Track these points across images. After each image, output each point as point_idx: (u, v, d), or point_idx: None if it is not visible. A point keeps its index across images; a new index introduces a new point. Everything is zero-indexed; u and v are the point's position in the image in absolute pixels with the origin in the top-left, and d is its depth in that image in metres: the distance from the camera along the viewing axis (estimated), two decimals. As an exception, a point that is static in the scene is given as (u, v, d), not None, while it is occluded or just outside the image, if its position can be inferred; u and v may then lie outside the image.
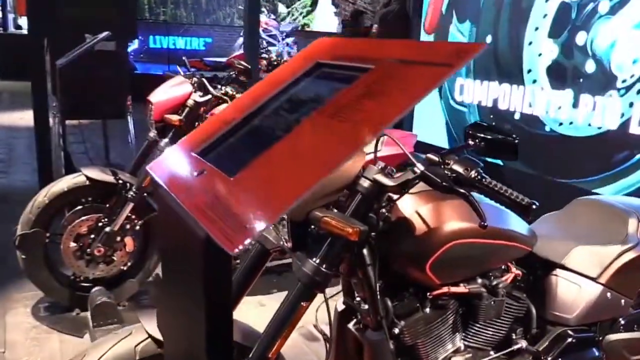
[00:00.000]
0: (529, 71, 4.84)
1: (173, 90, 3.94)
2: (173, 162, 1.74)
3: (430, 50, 1.51)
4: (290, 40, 15.39)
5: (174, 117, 3.79)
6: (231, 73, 4.00)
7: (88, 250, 3.76)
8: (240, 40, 15.01)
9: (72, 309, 3.83)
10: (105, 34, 4.31)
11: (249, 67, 3.87)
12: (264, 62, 5.78)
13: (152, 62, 15.35)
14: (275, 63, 6.53)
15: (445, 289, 1.93)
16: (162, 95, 3.91)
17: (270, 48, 12.88)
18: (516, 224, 2.12)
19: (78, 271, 3.77)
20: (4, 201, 5.66)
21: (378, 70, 1.51)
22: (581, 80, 4.38)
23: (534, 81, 4.78)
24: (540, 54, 4.77)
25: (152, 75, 10.16)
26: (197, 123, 3.97)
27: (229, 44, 16.88)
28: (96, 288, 3.82)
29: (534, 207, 1.71)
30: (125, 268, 3.90)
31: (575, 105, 4.44)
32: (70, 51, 4.43)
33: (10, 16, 19.72)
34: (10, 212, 4.14)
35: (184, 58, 4.44)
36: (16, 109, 10.64)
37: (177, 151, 1.78)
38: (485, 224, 1.64)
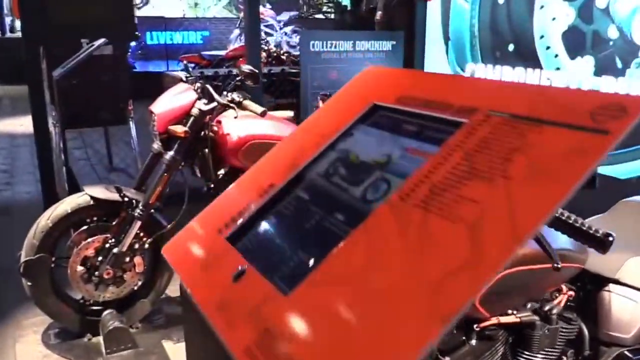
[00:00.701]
0: (541, 37, 4.34)
1: (176, 99, 3.49)
2: (196, 249, 1.30)
3: (561, 102, 1.06)
4: (288, 29, 14.69)
5: (179, 129, 3.35)
6: (237, 78, 3.53)
7: (96, 273, 3.35)
8: (236, 31, 14.32)
9: (83, 335, 3.48)
10: (101, 41, 3.82)
11: (256, 71, 3.40)
12: (263, 53, 5.32)
13: (151, 60, 14.65)
14: (275, 55, 6.07)
15: (494, 320, 1.64)
16: (165, 105, 3.46)
17: (268, 39, 12.19)
18: (564, 239, 1.69)
19: (87, 295, 3.40)
20: (6, 214, 5.17)
21: (478, 129, 1.07)
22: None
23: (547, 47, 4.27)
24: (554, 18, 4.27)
25: (152, 74, 9.44)
26: (203, 132, 3.52)
27: (226, 36, 16.17)
28: (107, 311, 3.44)
29: (610, 239, 1.34)
30: (136, 288, 3.48)
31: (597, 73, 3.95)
32: (66, 60, 3.93)
33: (8, 19, 18.82)
34: (13, 226, 3.67)
35: (183, 62, 3.94)
36: (17, 114, 10.06)
37: (198, 229, 1.34)
38: (559, 265, 1.37)
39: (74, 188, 4.03)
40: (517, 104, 1.14)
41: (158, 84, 3.40)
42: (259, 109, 3.32)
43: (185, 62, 4.08)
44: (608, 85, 4.02)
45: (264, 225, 1.33)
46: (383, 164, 1.27)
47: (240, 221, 1.35)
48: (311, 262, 1.14)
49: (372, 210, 1.14)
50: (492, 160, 1.06)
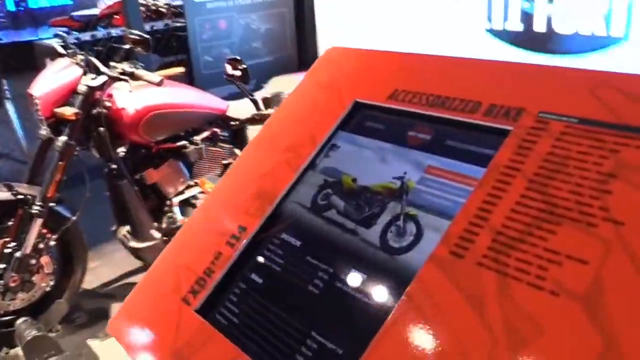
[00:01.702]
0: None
1: (58, 77, 2.89)
2: (157, 328, 0.90)
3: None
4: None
5: (68, 111, 2.78)
6: (123, 47, 2.95)
7: (1, 282, 2.78)
8: (108, -14, 12.67)
9: (-1, 349, 2.89)
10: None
11: (146, 37, 2.85)
12: (142, 8, 4.59)
13: (18, 28, 12.54)
14: (154, 8, 5.31)
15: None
16: (47, 86, 2.85)
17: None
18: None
19: (-6, 307, 2.82)
20: None
21: (535, 140, 0.73)
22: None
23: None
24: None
25: (23, 44, 7.80)
26: (95, 110, 2.95)
27: (98, -8, 14.22)
28: (20, 320, 2.90)
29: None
30: (49, 289, 2.96)
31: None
32: None
33: None
34: None
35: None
36: None
37: (153, 296, 0.94)
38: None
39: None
40: (581, 100, 0.79)
41: (32, 56, 2.77)
42: (156, 77, 2.78)
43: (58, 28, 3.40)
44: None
45: (248, 290, 0.93)
46: (396, 192, 0.89)
47: (211, 285, 0.94)
48: (339, 352, 0.77)
49: (409, 268, 0.77)
50: (580, 192, 0.70)
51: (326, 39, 5.16)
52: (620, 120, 0.75)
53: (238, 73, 2.57)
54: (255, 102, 2.56)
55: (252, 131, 2.69)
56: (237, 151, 3.57)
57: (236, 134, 3.64)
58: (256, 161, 1.08)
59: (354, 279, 0.84)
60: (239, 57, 2.58)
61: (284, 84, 3.02)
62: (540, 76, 0.86)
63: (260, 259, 0.96)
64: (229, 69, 2.56)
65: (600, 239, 0.67)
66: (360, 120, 1.03)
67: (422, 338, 0.71)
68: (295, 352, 0.81)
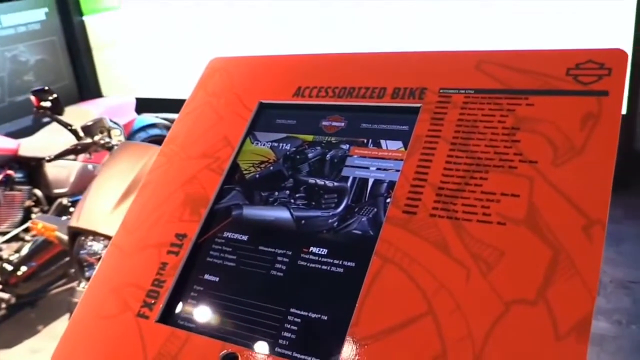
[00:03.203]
0: None
1: None
2: (121, 351, 0.91)
3: (522, 66, 0.93)
4: None
5: None
6: None
7: None
8: None
9: None
10: None
11: None
12: None
13: None
14: None
15: None
16: None
17: None
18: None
19: None
20: None
21: (445, 112, 0.92)
22: None
23: None
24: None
25: None
26: None
27: None
28: None
29: None
30: None
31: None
32: None
33: None
34: None
35: None
36: None
37: (98, 318, 0.94)
38: None
39: None
40: (472, 75, 0.97)
41: None
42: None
43: None
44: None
45: (206, 290, 0.96)
46: (332, 174, 0.99)
47: (166, 294, 0.95)
48: (324, 318, 0.85)
49: (367, 234, 0.88)
50: (495, 145, 0.88)
51: (103, 64, 4.98)
52: (507, 86, 0.94)
53: (48, 104, 2.43)
54: (74, 132, 2.44)
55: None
56: (37, 192, 3.32)
57: (33, 173, 3.38)
58: (170, 174, 1.10)
59: (316, 254, 0.92)
60: (46, 87, 2.44)
61: (77, 115, 2.89)
62: (432, 60, 1.03)
63: (210, 259, 0.99)
64: (36, 101, 2.40)
65: (523, 176, 0.85)
66: (270, 118, 1.11)
67: (404, 284, 0.82)
68: (280, 330, 0.88)
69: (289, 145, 1.07)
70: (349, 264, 0.89)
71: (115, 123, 2.36)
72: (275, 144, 1.08)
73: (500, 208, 0.83)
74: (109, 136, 2.31)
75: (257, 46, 4.16)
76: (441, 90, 0.98)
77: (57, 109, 2.45)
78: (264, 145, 1.09)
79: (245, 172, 1.06)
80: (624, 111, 0.87)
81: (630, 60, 3.47)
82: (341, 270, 0.89)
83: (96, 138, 2.28)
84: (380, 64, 1.07)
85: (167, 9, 4.53)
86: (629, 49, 3.45)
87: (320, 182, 0.99)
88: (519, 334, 0.74)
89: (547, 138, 0.86)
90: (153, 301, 0.96)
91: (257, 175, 1.05)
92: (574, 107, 0.87)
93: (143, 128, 3.59)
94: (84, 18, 4.96)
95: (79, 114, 3.08)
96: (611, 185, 0.80)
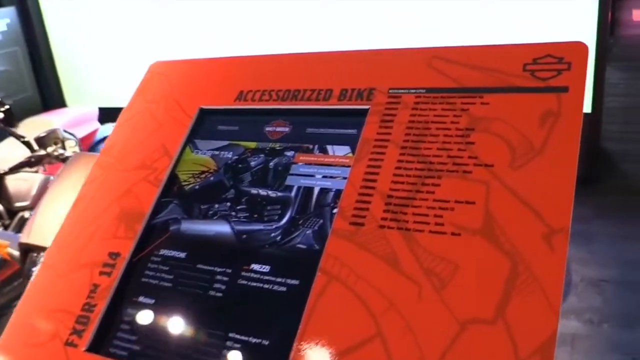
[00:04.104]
0: None
1: None
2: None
3: (472, 62, 0.85)
4: None
5: None
6: None
7: None
8: None
9: None
10: None
11: None
12: None
13: None
14: None
15: None
16: None
17: None
18: None
19: None
20: None
21: (395, 113, 0.83)
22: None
23: None
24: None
25: None
26: None
27: None
28: None
29: None
30: None
31: None
32: None
33: None
34: None
35: None
36: None
37: (23, 349, 0.84)
38: None
39: None
40: (422, 74, 0.89)
41: None
42: None
43: None
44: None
45: (141, 314, 0.87)
46: (275, 184, 0.90)
47: (96, 320, 0.85)
48: (266, 343, 0.76)
49: (312, 248, 0.80)
50: (448, 148, 0.80)
51: (67, 74, 4.83)
52: (460, 84, 0.86)
53: (0, 115, 2.31)
54: (28, 144, 2.31)
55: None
56: (-1, 208, 3.18)
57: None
58: (105, 187, 1.00)
59: (258, 272, 0.83)
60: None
61: (37, 126, 2.77)
62: (381, 59, 0.95)
63: (145, 279, 0.89)
64: (-6, 113, 2.28)
65: (479, 182, 0.76)
66: (211, 125, 1.01)
67: (351, 304, 0.74)
68: (219, 358, 0.78)
69: (230, 153, 0.98)
70: (292, 282, 0.80)
71: (70, 134, 2.24)
72: (217, 153, 0.99)
73: (455, 217, 0.75)
74: (63, 147, 2.19)
75: (212, 48, 4.06)
76: (390, 91, 0.89)
77: (9, 121, 2.32)
78: (204, 153, 0.99)
79: (184, 183, 0.97)
80: (588, 109, 0.79)
81: (594, 53, 3.42)
82: (284, 289, 0.80)
83: (50, 149, 2.16)
84: (327, 64, 0.98)
85: (127, 12, 4.42)
86: (592, 42, 3.39)
87: (263, 192, 0.90)
88: (476, 357, 0.65)
89: (504, 139, 0.78)
90: (83, 328, 0.86)
91: (197, 187, 0.96)
92: (531, 105, 0.79)
93: (106, 138, 3.46)
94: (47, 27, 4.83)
95: (39, 125, 2.95)
96: (574, 189, 0.72)
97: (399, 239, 0.75)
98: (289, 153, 0.92)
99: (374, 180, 0.81)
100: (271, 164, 0.92)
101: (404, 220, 0.76)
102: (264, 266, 0.83)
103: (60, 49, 4.85)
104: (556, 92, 0.79)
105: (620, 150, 4.12)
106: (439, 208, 0.76)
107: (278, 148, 0.94)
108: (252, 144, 0.97)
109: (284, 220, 0.86)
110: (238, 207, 0.90)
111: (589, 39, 3.45)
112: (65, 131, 2.22)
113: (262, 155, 0.94)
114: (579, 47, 0.82)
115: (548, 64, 0.82)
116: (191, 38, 4.27)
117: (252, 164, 0.94)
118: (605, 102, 3.74)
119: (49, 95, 4.91)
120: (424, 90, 0.87)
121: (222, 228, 0.89)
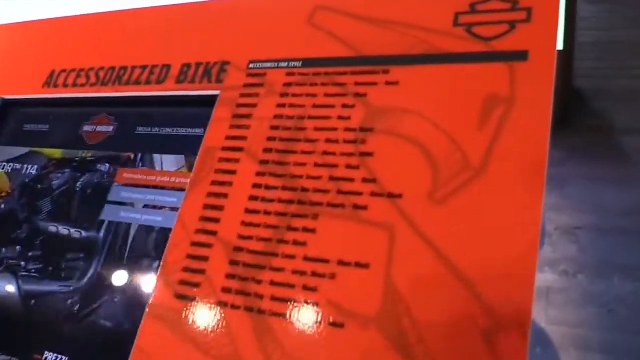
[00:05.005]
0: None
1: None
2: None
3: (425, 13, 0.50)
4: None
5: None
6: None
7: None
8: None
9: None
10: None
11: None
12: None
13: None
14: None
15: None
16: None
17: None
18: None
19: None
20: None
21: (261, 101, 0.49)
22: None
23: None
24: None
25: None
26: None
27: None
28: None
29: None
30: None
31: None
32: None
33: None
34: None
35: None
36: None
37: None
38: None
39: None
40: (294, 37, 0.54)
41: None
42: None
43: None
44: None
45: None
46: (80, 220, 0.57)
47: None
48: None
49: (123, 331, 0.47)
50: (332, 164, 0.46)
51: None
52: (356, 51, 0.51)
53: None
54: None
55: None
56: None
57: None
58: None
59: (42, 371, 0.50)
60: None
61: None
62: (243, 15, 0.59)
63: None
64: None
65: (378, 226, 0.43)
66: (16, 125, 0.67)
67: None
68: None
69: (31, 166, 0.63)
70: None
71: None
72: (17, 166, 0.64)
73: (336, 292, 0.42)
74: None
75: None
76: (251, 65, 0.54)
77: None
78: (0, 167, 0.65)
79: (-38, 215, 0.63)
80: (560, 46, 0.47)
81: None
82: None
83: None
84: (164, 25, 0.62)
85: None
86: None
87: (63, 230, 0.56)
88: None
89: (422, 148, 0.44)
90: None
91: (-21, 221, 0.62)
92: (467, 85, 0.46)
93: None
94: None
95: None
96: (539, 241, 0.39)
97: (247, 328, 0.43)
98: (103, 167, 0.58)
99: (216, 220, 0.48)
100: (79, 183, 0.58)
101: (257, 295, 0.44)
102: (60, 356, 0.50)
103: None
104: (507, 61, 0.45)
105: (593, 88, 3.80)
106: (311, 274, 0.43)
107: (90, 159, 0.59)
108: (58, 152, 0.62)
109: (85, 279, 0.53)
110: (30, 254, 0.57)
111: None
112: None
113: (68, 170, 0.60)
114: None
115: (494, 13, 0.48)
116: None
117: (55, 183, 0.60)
118: (577, 36, 3.39)
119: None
120: (299, 64, 0.52)
121: (7, 287, 0.56)
